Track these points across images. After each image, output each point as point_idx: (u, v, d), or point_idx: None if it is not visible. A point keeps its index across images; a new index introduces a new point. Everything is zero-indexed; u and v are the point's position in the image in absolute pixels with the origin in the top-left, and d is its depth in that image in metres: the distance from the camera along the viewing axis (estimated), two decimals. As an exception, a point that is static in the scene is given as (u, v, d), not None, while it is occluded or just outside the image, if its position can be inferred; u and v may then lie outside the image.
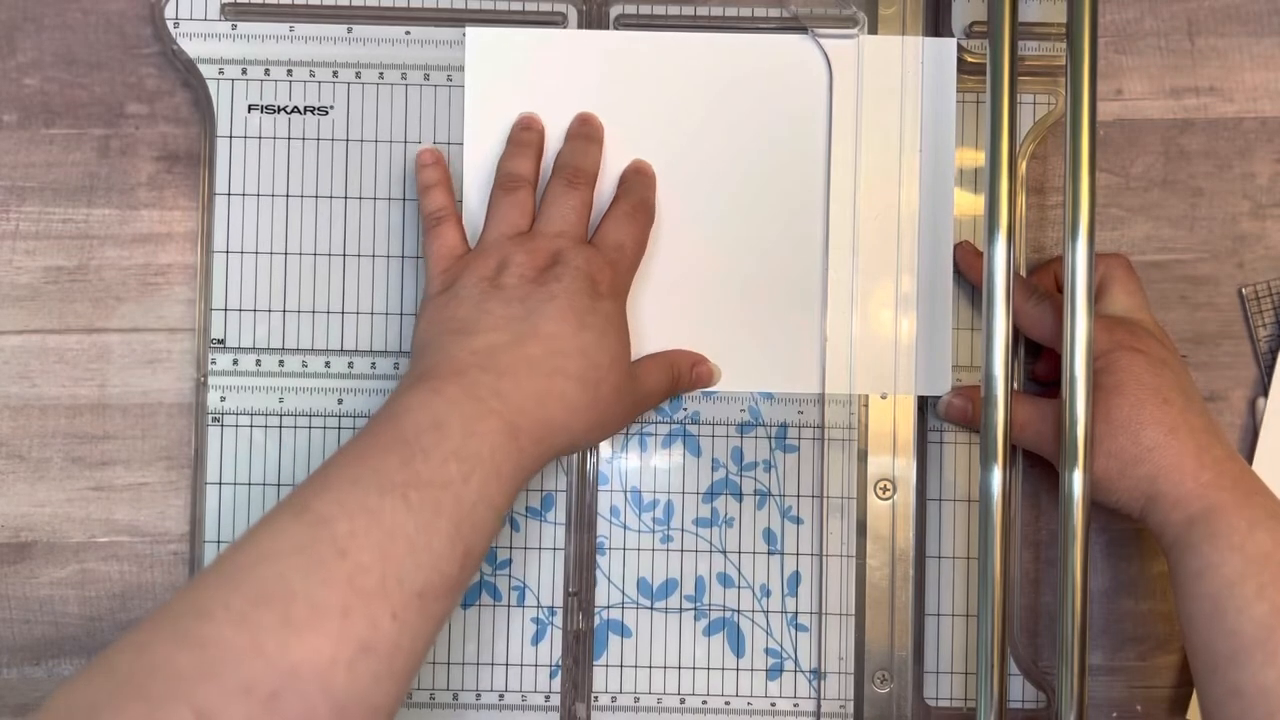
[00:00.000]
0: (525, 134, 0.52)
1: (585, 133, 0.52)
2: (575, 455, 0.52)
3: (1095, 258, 0.48)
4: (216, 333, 0.52)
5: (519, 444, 0.43)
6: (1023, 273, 0.53)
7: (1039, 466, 0.53)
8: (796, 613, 0.52)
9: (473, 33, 0.53)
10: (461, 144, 0.53)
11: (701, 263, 0.52)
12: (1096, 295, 0.50)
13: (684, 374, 0.51)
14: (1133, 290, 0.51)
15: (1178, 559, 0.45)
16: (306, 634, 0.36)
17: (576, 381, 0.45)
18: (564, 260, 0.47)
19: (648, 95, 0.53)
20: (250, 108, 0.53)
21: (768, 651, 0.52)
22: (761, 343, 0.52)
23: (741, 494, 0.53)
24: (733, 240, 0.52)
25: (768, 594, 0.52)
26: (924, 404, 0.53)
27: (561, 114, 0.52)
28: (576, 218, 0.49)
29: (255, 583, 0.37)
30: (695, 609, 0.53)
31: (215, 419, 0.52)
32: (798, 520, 0.53)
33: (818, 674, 0.52)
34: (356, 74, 0.53)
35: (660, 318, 0.52)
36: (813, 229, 0.52)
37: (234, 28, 0.52)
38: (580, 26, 0.53)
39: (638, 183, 0.52)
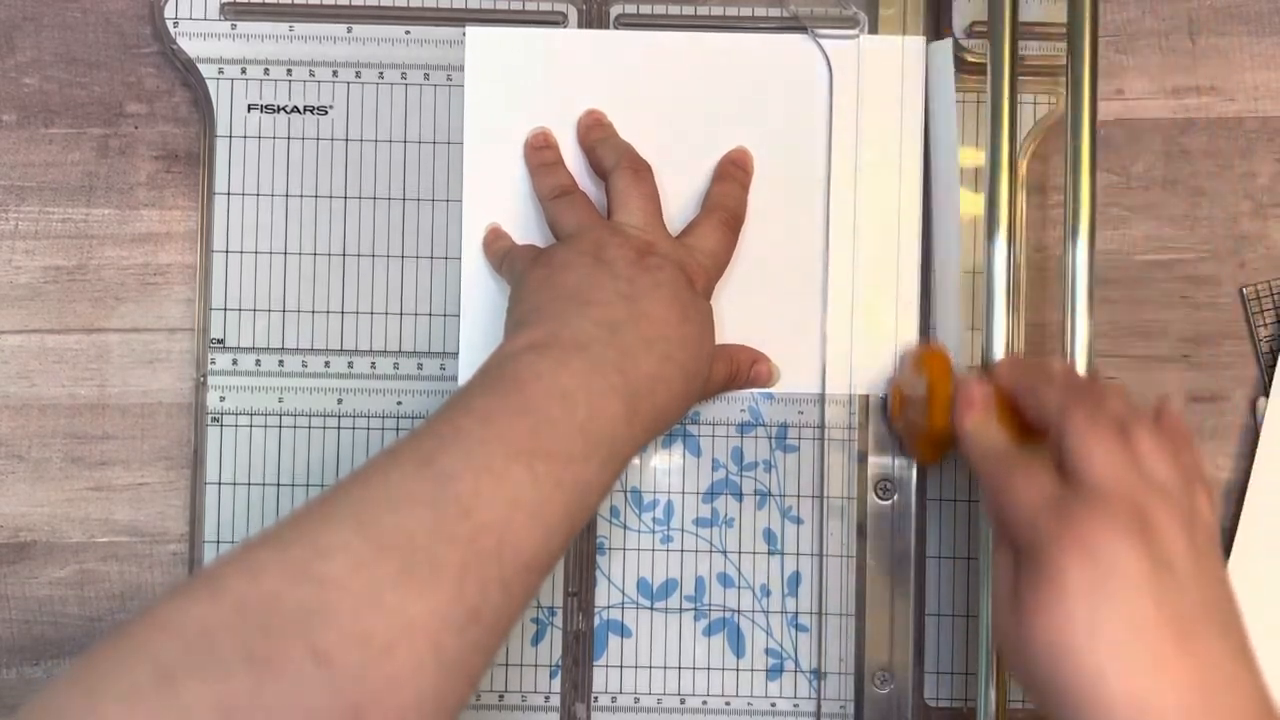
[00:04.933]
0: (546, 153, 0.52)
1: (607, 134, 0.52)
2: None
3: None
4: (216, 332, 0.52)
5: (633, 429, 0.42)
6: (1023, 272, 0.53)
7: (1039, 466, 0.53)
8: (796, 613, 0.52)
9: (473, 32, 0.52)
10: (461, 144, 0.53)
11: None
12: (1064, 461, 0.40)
13: (743, 370, 0.51)
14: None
15: None
16: (426, 590, 0.34)
17: (681, 371, 0.44)
18: (659, 252, 0.46)
19: (648, 95, 0.53)
20: (250, 107, 0.53)
21: (768, 652, 0.52)
22: (761, 343, 0.52)
23: (741, 494, 0.53)
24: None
25: (768, 594, 0.52)
26: (924, 404, 0.52)
27: (563, 114, 0.52)
28: (654, 209, 0.49)
29: (378, 528, 0.35)
30: (695, 609, 0.52)
31: (215, 419, 0.52)
32: (798, 520, 0.52)
33: (818, 674, 0.52)
34: (356, 74, 0.53)
35: None
36: (813, 228, 0.52)
37: (234, 27, 0.52)
38: (580, 26, 0.53)
39: (732, 191, 0.51)
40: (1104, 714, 0.35)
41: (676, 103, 0.52)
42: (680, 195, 0.52)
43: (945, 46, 0.52)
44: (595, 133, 0.52)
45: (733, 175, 0.52)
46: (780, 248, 0.52)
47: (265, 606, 0.33)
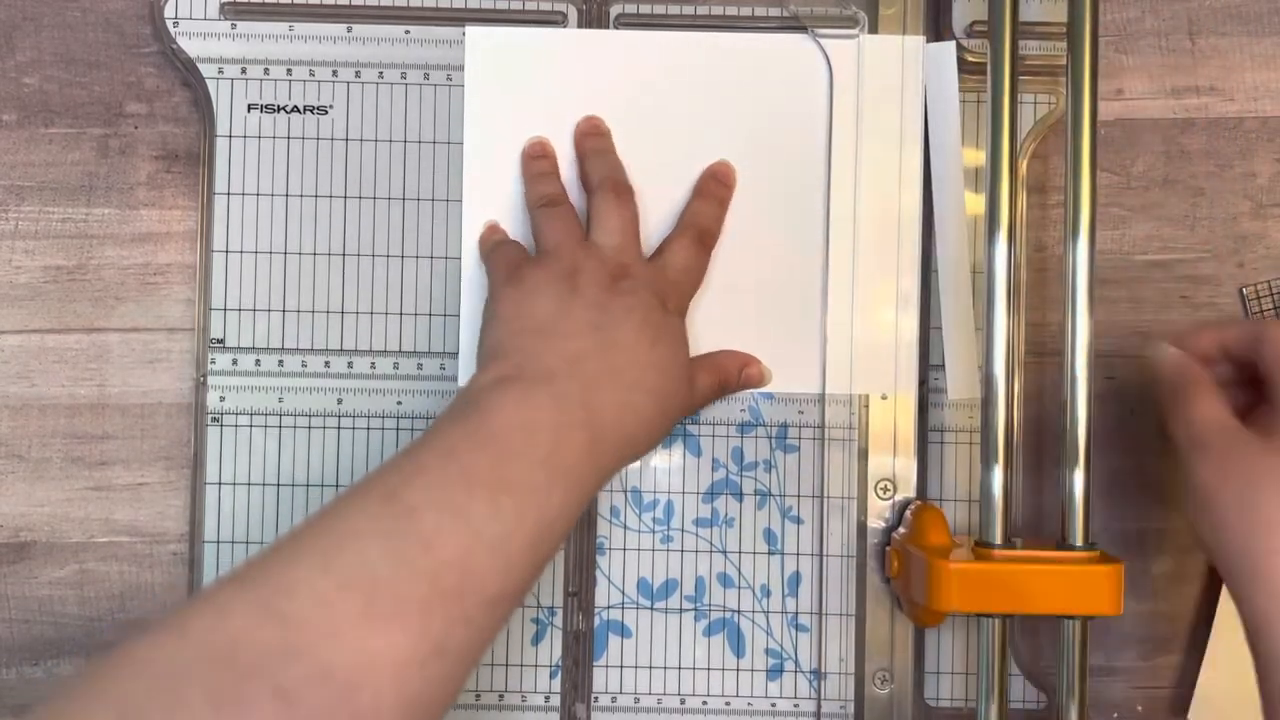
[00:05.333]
0: (540, 163, 0.52)
1: (601, 146, 0.51)
2: None
3: (1257, 326, 0.46)
4: (216, 332, 0.52)
5: (598, 459, 0.43)
6: (1023, 272, 0.53)
7: (1039, 466, 0.53)
8: (796, 613, 0.52)
9: (473, 32, 0.52)
10: (461, 144, 0.53)
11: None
12: (1267, 374, 0.45)
13: (732, 377, 0.51)
14: None
15: (1276, 668, 0.41)
16: (389, 627, 0.35)
17: (651, 396, 0.45)
18: (633, 275, 0.47)
19: (647, 95, 0.53)
20: (250, 107, 0.53)
21: (768, 652, 0.52)
22: (762, 344, 0.52)
23: (741, 494, 0.53)
24: (733, 241, 0.52)
25: (768, 594, 0.52)
26: (924, 404, 0.52)
27: (562, 114, 0.52)
28: (632, 231, 0.49)
29: (341, 566, 0.36)
30: (695, 609, 0.52)
31: (215, 419, 0.52)
32: (798, 520, 0.52)
33: (818, 674, 0.52)
34: (356, 73, 0.53)
35: None
36: (814, 229, 0.52)
37: (233, 27, 0.52)
38: (580, 26, 0.53)
39: (708, 208, 0.51)
40: None
41: (677, 102, 0.52)
42: (676, 199, 0.52)
43: (948, 48, 0.52)
44: (590, 141, 0.52)
45: (711, 191, 0.51)
46: (780, 248, 0.52)
47: (230, 647, 0.33)
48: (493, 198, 0.52)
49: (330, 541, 0.37)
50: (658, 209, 0.52)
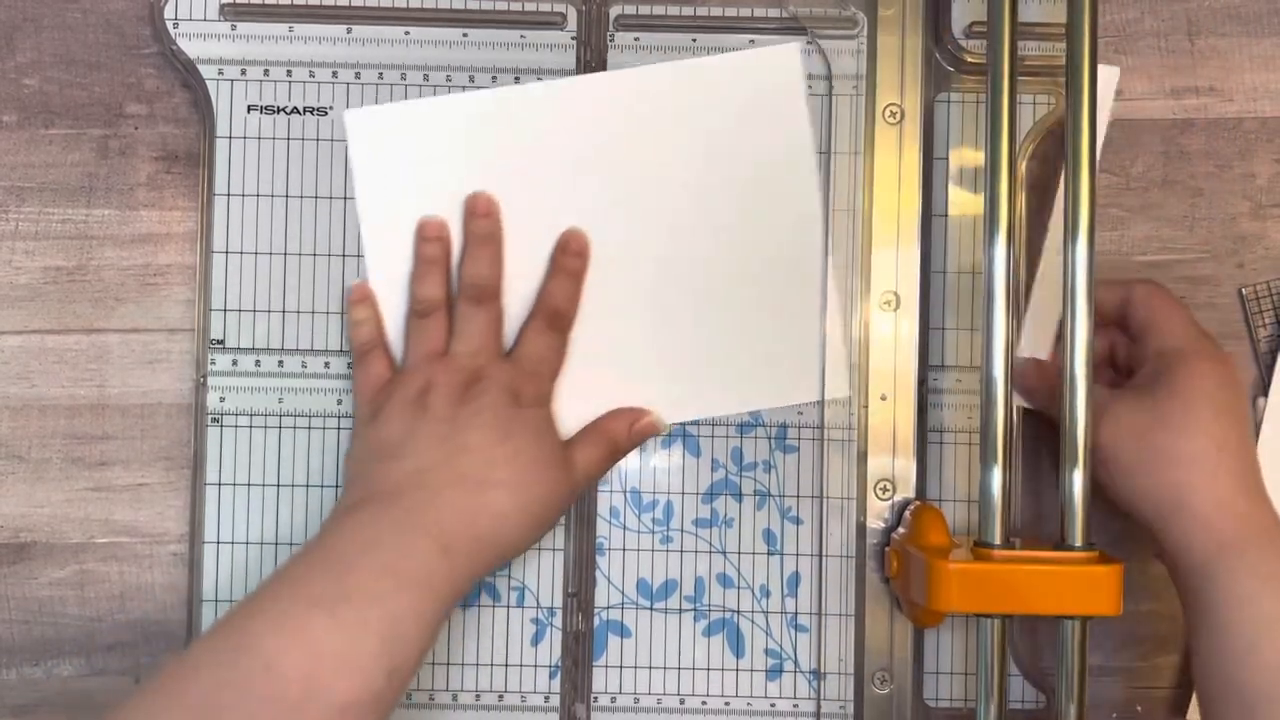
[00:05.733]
0: (430, 248, 0.51)
1: (480, 232, 0.51)
2: None
3: (1125, 286, 0.49)
4: (216, 333, 0.52)
5: (451, 562, 0.44)
6: (1023, 273, 0.53)
7: (1039, 465, 0.53)
8: (796, 613, 0.52)
9: (351, 116, 0.52)
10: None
11: (681, 292, 0.52)
12: (1138, 332, 0.49)
13: (621, 437, 0.51)
14: (1186, 322, 0.49)
15: (1200, 585, 0.45)
16: None
17: (506, 490, 0.46)
18: (486, 377, 0.48)
19: (550, 147, 0.52)
20: (250, 108, 0.53)
21: (767, 652, 0.52)
22: (758, 360, 0.52)
23: (741, 494, 0.53)
24: (707, 264, 0.52)
25: (767, 594, 0.52)
26: (924, 404, 0.52)
27: (459, 181, 0.52)
28: (490, 333, 0.50)
29: (192, 700, 0.39)
30: (695, 609, 0.52)
31: (215, 419, 0.52)
32: (797, 521, 0.53)
33: (818, 674, 0.52)
34: (356, 74, 0.53)
35: (649, 350, 0.52)
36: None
37: (233, 28, 0.52)
38: (580, 26, 0.53)
39: (559, 287, 0.51)
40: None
41: (574, 152, 0.52)
42: (639, 231, 0.52)
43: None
44: (473, 225, 0.51)
45: (562, 267, 0.51)
46: (774, 259, 0.52)
47: None
48: (400, 278, 0.52)
49: (183, 678, 0.40)
50: (627, 249, 0.52)
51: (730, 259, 0.52)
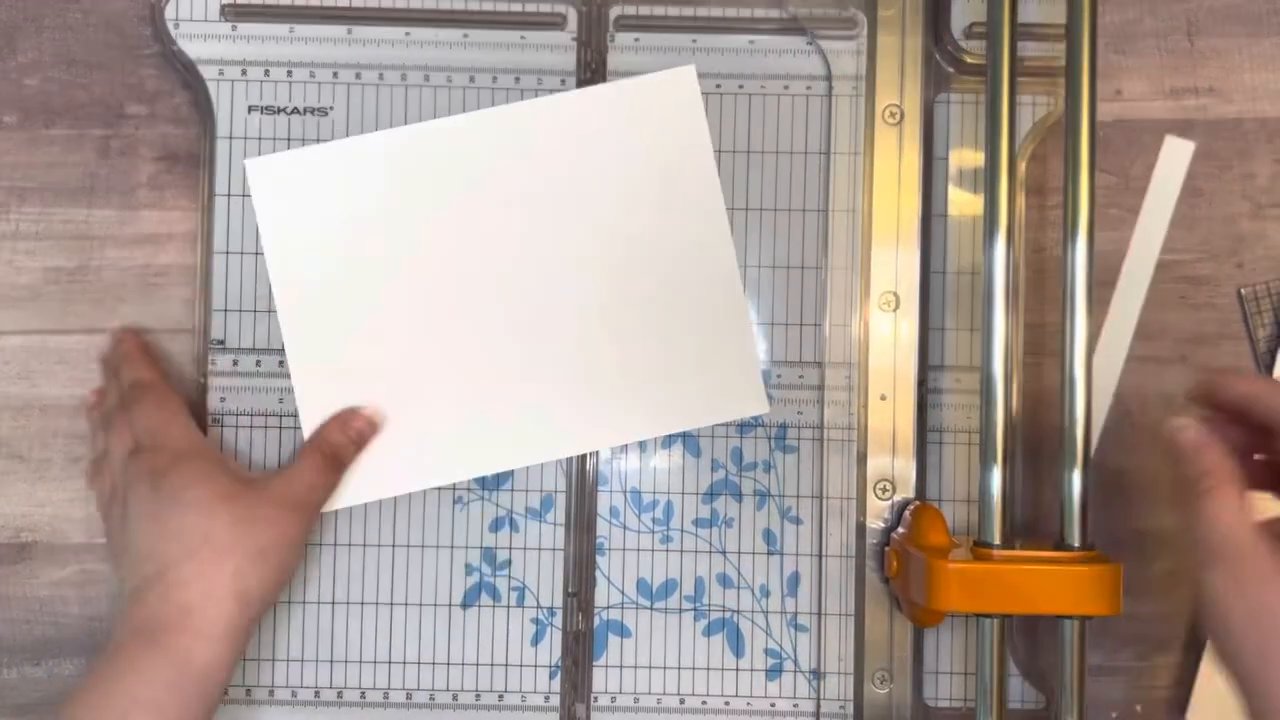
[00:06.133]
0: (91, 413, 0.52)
1: (120, 362, 0.51)
2: (574, 456, 0.52)
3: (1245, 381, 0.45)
4: (216, 333, 0.52)
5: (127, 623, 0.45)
6: (1022, 273, 0.53)
7: (1038, 465, 0.53)
8: (796, 613, 0.52)
9: (251, 165, 0.52)
10: (461, 145, 0.53)
11: (608, 322, 0.52)
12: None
13: (342, 443, 0.50)
14: None
15: None
16: None
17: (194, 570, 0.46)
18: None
19: (458, 181, 0.52)
20: (250, 108, 0.53)
21: (767, 652, 0.52)
22: (695, 376, 0.52)
23: (741, 494, 0.53)
24: (621, 290, 0.52)
25: (767, 594, 0.53)
26: (923, 404, 0.53)
27: (366, 224, 0.51)
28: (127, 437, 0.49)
29: None
30: (695, 609, 0.53)
31: (215, 420, 0.52)
32: (797, 520, 0.53)
33: (817, 674, 0.52)
34: (356, 75, 0.53)
35: (571, 377, 0.52)
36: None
37: (234, 28, 0.53)
38: (580, 27, 0.53)
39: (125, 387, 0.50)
40: None
41: (478, 184, 0.52)
42: (546, 255, 0.52)
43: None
44: (120, 356, 0.51)
45: (123, 360, 0.51)
46: (688, 279, 0.52)
47: None
48: (315, 327, 0.52)
49: None
50: (541, 282, 0.52)
51: (644, 282, 0.52)
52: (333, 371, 0.51)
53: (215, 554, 0.45)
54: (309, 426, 0.51)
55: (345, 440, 0.50)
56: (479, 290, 0.51)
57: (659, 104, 0.52)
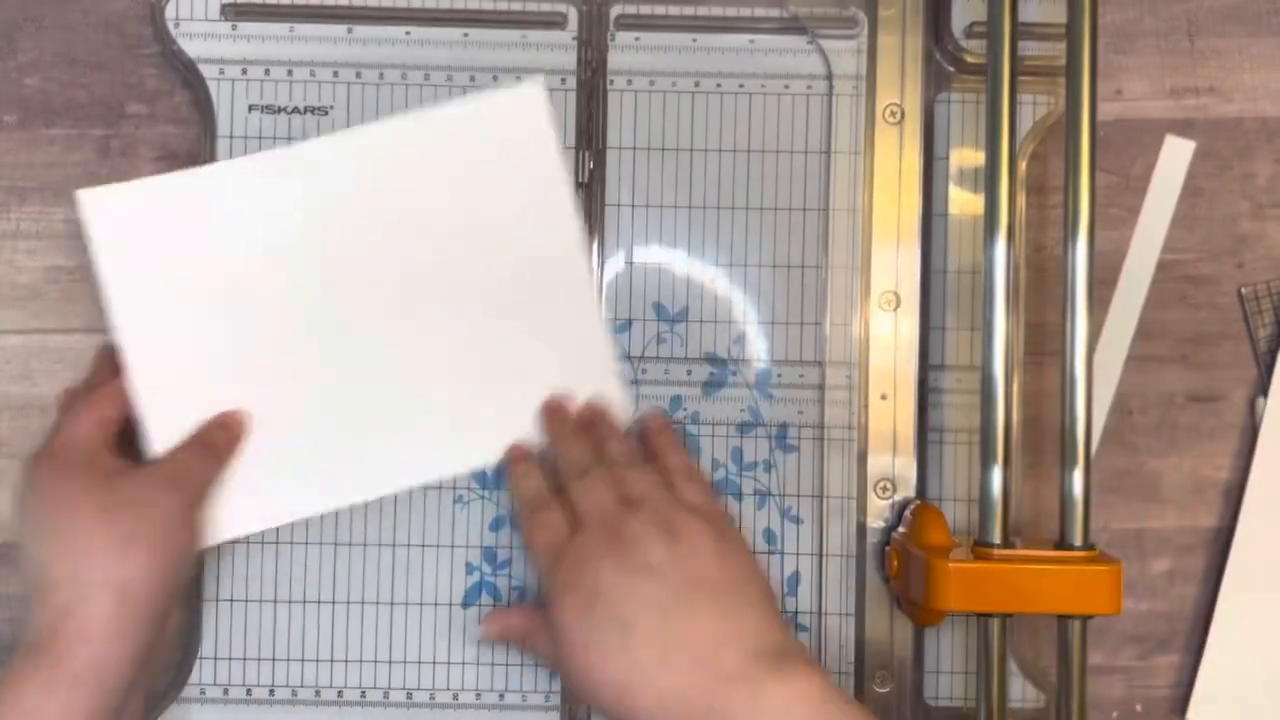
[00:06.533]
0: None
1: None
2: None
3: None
4: (217, 333, 0.52)
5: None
6: (1022, 272, 0.53)
7: (1039, 465, 0.53)
8: (796, 612, 0.52)
9: (85, 196, 0.49)
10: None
11: (461, 335, 0.51)
12: None
13: (218, 435, 0.49)
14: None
15: None
16: None
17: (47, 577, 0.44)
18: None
19: (307, 208, 0.50)
20: (250, 108, 0.53)
21: (768, 651, 0.52)
22: (553, 382, 0.51)
23: (742, 494, 0.53)
24: (474, 311, 0.51)
25: (768, 594, 0.52)
26: (924, 404, 0.53)
27: (214, 257, 0.50)
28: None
29: None
30: (695, 609, 0.52)
31: (215, 419, 0.52)
32: (798, 520, 0.53)
33: (818, 674, 0.52)
34: (356, 74, 0.53)
35: (426, 398, 0.51)
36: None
37: (234, 28, 0.53)
38: (581, 27, 0.53)
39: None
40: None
41: (327, 213, 0.50)
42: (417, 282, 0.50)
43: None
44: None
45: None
46: (541, 297, 0.51)
47: None
48: (164, 367, 0.49)
49: None
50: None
51: (496, 302, 0.51)
52: (187, 405, 0.49)
53: (82, 549, 0.43)
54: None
55: (221, 433, 0.49)
56: (340, 312, 0.50)
57: (507, 121, 0.51)
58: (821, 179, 0.53)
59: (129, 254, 0.49)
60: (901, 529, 0.51)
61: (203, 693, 0.51)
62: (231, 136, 0.52)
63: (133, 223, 0.49)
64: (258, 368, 0.50)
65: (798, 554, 0.52)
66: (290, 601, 0.52)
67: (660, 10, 0.53)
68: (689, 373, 0.53)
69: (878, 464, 0.52)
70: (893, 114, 0.53)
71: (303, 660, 0.52)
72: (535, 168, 0.51)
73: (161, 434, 0.48)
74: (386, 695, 0.52)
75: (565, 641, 0.44)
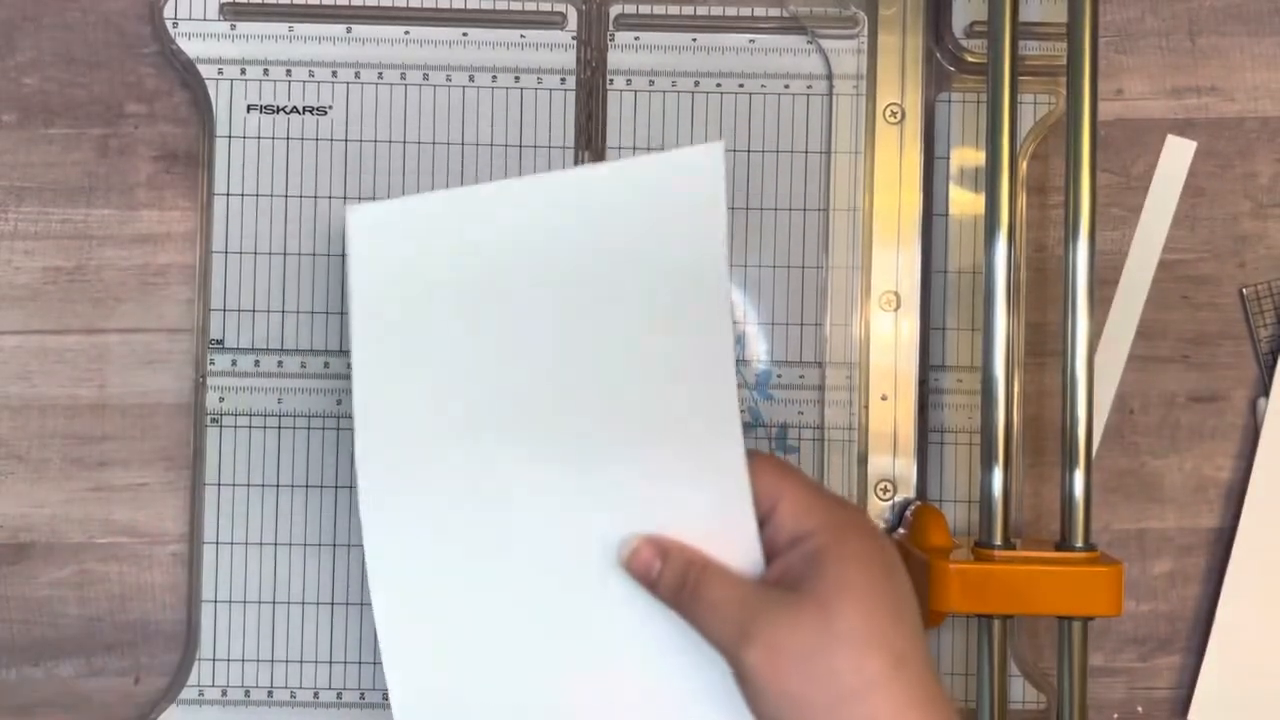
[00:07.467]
0: None
1: None
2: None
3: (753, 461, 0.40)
4: (215, 333, 0.52)
5: None
6: (1023, 272, 0.53)
7: (1039, 466, 0.53)
8: (796, 613, 0.52)
9: (355, 213, 0.42)
10: (455, 143, 0.53)
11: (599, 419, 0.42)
12: (765, 519, 0.40)
13: None
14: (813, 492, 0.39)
15: None
16: None
17: None
18: None
19: (549, 245, 0.42)
20: (249, 108, 0.53)
21: (768, 652, 0.52)
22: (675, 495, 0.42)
23: (741, 494, 0.52)
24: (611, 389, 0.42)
25: (768, 595, 0.52)
26: (924, 404, 0.52)
27: (467, 281, 0.42)
28: None
29: None
30: (695, 610, 0.52)
31: (214, 419, 0.52)
32: (798, 521, 0.52)
33: (818, 675, 0.52)
34: (356, 74, 0.53)
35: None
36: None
37: (233, 27, 0.52)
38: (580, 26, 0.53)
39: None
40: None
41: (576, 249, 0.42)
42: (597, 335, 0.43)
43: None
44: None
45: None
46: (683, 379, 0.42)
47: None
48: (391, 389, 0.43)
49: None
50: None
51: (635, 381, 0.42)
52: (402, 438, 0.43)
53: None
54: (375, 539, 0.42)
55: None
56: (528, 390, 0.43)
57: (680, 183, 0.42)
58: (822, 179, 0.53)
59: (383, 278, 0.42)
60: (902, 530, 0.51)
61: (201, 694, 0.51)
62: (230, 136, 0.52)
63: (392, 244, 0.42)
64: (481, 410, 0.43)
65: (798, 555, 0.52)
66: (289, 603, 0.52)
67: (660, 10, 0.53)
68: (689, 373, 0.53)
69: (878, 465, 0.52)
70: (893, 114, 0.53)
71: (301, 662, 0.52)
72: (699, 239, 0.42)
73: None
74: (386, 697, 0.52)
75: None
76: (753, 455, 0.41)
